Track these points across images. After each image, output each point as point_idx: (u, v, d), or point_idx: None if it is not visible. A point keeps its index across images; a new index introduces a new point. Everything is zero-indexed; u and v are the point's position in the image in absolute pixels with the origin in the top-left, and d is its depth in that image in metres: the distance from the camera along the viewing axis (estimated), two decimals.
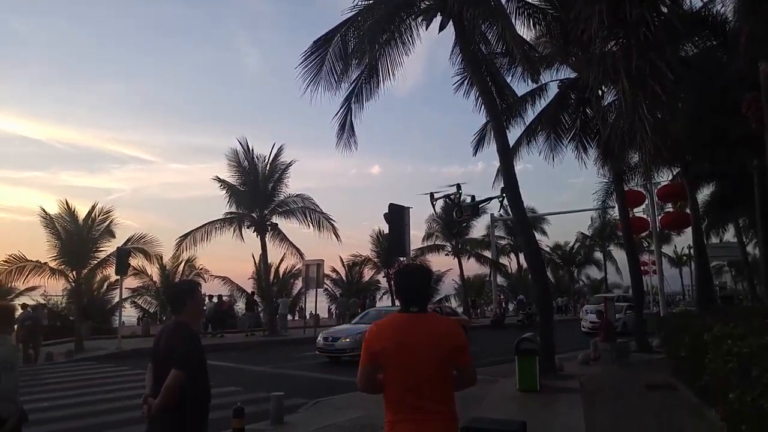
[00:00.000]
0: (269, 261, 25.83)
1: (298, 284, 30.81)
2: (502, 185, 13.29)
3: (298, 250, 25.36)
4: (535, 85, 15.97)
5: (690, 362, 8.15)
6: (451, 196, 12.80)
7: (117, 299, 23.29)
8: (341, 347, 14.69)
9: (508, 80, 15.48)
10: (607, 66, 11.21)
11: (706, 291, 18.95)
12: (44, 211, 21.26)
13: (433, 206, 12.92)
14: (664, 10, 10.79)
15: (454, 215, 13.00)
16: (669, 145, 13.83)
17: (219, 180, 24.30)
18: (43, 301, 25.34)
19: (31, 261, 21.01)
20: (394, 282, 2.74)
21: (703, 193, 23.20)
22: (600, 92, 15.20)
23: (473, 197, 13.34)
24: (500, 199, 12.79)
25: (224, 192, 24.32)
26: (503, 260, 43.16)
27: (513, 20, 13.32)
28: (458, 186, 13.04)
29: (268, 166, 24.31)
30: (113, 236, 22.24)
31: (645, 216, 22.79)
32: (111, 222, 22.18)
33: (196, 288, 3.68)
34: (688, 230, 21.50)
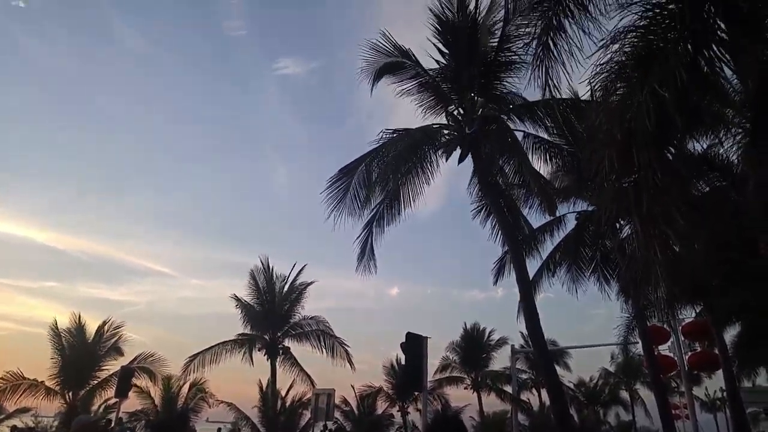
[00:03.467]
0: (277, 387, 24.68)
1: (307, 415, 29.04)
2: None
3: (309, 377, 24.34)
4: (552, 217, 16.27)
5: None
6: None
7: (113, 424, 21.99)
8: None
9: (526, 211, 15.89)
10: (622, 202, 11.50)
11: None
12: (55, 324, 21.03)
13: None
14: (670, 156, 11.26)
15: None
16: (687, 283, 13.69)
17: (236, 299, 24.18)
18: (32, 425, 23.97)
19: (27, 379, 20.33)
20: None
21: (731, 333, 22.29)
22: (617, 225, 15.40)
23: None
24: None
25: (240, 311, 24.07)
26: (525, 395, 40.59)
27: (530, 155, 14.02)
28: None
29: (287, 286, 24.25)
30: (121, 354, 21.68)
31: (671, 354, 21.74)
32: (119, 338, 21.76)
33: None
34: (720, 372, 20.35)
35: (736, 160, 13.47)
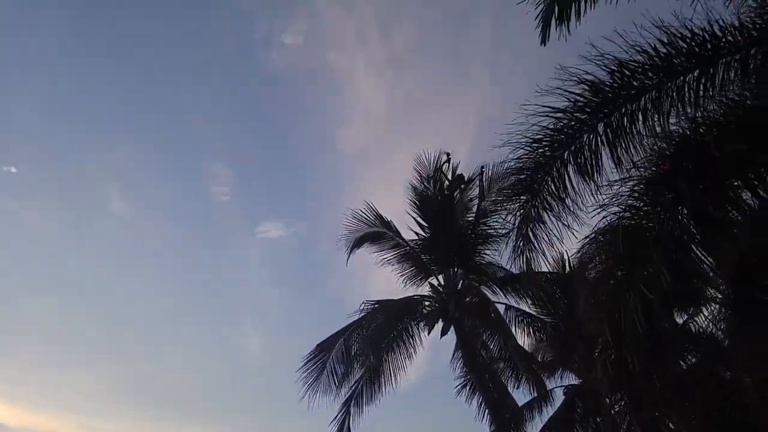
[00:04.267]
0: None
1: None
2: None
3: None
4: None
5: None
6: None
7: None
8: None
9: (511, 386, 15.14)
10: (612, 376, 11.11)
11: None
12: None
13: None
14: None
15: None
16: None
17: None
18: None
19: None
20: None
21: None
22: (607, 400, 14.70)
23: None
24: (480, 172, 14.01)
25: None
26: None
27: (512, 327, 13.80)
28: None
29: None
30: None
31: None
32: None
33: None
34: None
35: (719, 335, 13.46)
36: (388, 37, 32.87)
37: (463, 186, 14.52)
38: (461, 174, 14.54)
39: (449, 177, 14.45)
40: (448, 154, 14.47)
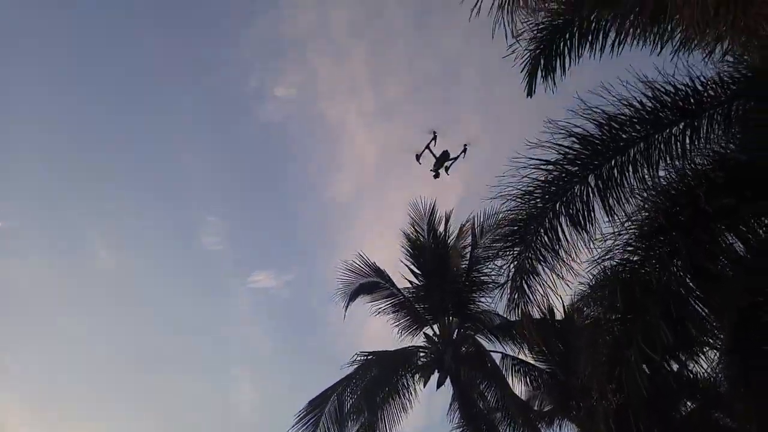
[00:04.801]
0: None
1: None
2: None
3: None
4: None
5: None
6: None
7: None
8: None
9: None
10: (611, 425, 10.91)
11: None
12: None
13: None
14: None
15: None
16: None
17: None
18: None
19: None
20: None
21: None
22: None
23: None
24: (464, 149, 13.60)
25: None
26: None
27: (509, 377, 13.57)
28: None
29: None
30: None
31: None
32: None
33: None
34: None
35: (718, 381, 13.30)
36: (379, 88, 33.63)
37: (449, 163, 13.90)
38: (446, 150, 13.90)
39: (436, 155, 13.79)
40: (434, 132, 13.80)
